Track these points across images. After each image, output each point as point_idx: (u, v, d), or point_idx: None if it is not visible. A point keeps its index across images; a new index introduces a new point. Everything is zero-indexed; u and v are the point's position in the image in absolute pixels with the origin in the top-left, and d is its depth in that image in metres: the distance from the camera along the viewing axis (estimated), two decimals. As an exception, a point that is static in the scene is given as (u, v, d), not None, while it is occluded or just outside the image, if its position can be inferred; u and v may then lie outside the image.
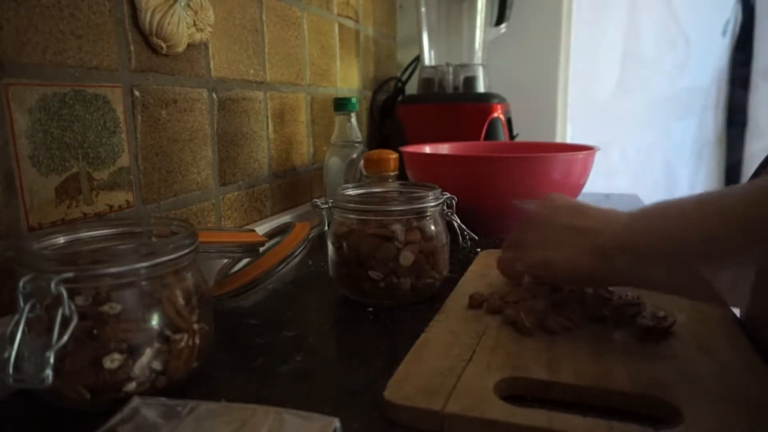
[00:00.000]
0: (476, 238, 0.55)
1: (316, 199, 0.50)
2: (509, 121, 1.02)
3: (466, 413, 0.29)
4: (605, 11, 1.50)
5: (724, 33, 1.63)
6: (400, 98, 1.07)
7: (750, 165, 1.69)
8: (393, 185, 0.57)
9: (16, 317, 0.28)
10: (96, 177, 0.44)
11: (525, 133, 1.07)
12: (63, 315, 0.28)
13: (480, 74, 1.03)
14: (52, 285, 0.28)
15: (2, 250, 0.37)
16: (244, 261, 0.51)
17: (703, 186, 1.68)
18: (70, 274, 0.28)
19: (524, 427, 0.28)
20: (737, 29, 1.60)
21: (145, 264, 0.31)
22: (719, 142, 1.67)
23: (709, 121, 1.63)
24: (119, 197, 0.47)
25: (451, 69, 1.03)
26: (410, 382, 0.32)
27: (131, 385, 0.30)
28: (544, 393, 0.32)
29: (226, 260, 0.53)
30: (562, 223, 0.42)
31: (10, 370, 0.27)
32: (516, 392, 0.32)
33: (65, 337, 0.27)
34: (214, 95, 0.59)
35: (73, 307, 0.28)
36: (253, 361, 0.38)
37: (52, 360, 0.27)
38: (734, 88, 1.57)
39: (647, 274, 0.35)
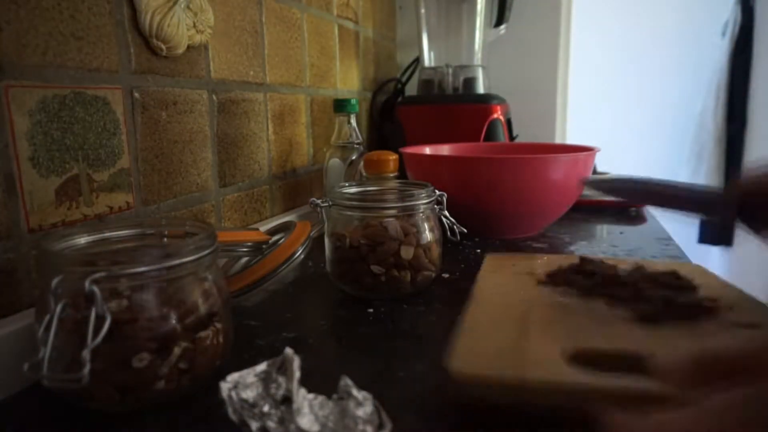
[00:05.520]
0: (465, 231, 0.56)
1: (314, 198, 0.50)
2: (509, 122, 1.02)
3: (548, 379, 0.28)
4: (605, 12, 1.51)
5: (723, 34, 1.63)
6: (399, 99, 1.07)
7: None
8: (387, 184, 0.58)
9: (47, 318, 0.28)
10: (96, 178, 0.44)
11: (525, 134, 1.08)
12: (96, 314, 0.28)
13: (479, 75, 1.03)
14: (86, 284, 0.28)
15: (2, 251, 0.37)
16: (243, 260, 0.51)
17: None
18: (103, 274, 0.29)
19: (614, 391, 0.27)
20: (737, 30, 1.60)
21: (174, 263, 0.31)
22: (719, 142, 1.67)
23: (709, 121, 1.63)
24: (119, 198, 0.47)
25: (450, 70, 1.03)
26: (475, 358, 0.31)
27: (160, 384, 0.31)
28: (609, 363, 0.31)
29: (224, 260, 0.53)
30: None
31: (45, 371, 0.27)
32: (581, 362, 0.31)
33: (100, 336, 0.27)
34: (214, 97, 0.59)
35: (105, 306, 0.28)
36: (254, 363, 0.38)
37: (89, 359, 0.27)
38: (734, 88, 1.57)
39: None
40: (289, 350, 0.28)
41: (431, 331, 0.43)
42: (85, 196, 0.43)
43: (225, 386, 0.26)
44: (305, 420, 0.24)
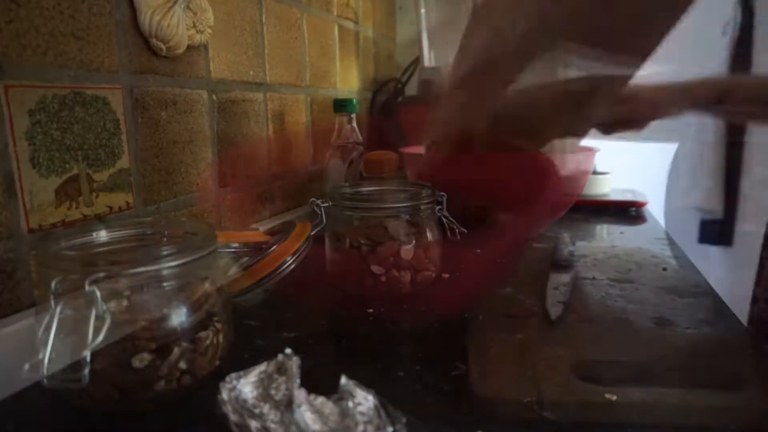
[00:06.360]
0: (465, 231, 0.56)
1: (314, 198, 0.50)
2: (509, 122, 1.02)
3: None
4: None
5: (723, 33, 1.63)
6: (399, 99, 1.07)
7: (750, 165, 1.69)
8: (387, 184, 0.58)
9: (47, 318, 0.28)
10: (96, 178, 0.44)
11: (525, 134, 1.07)
12: (96, 314, 0.28)
13: (480, 75, 1.03)
14: (86, 285, 0.28)
15: (2, 251, 0.37)
16: (243, 260, 0.51)
17: (703, 186, 1.68)
18: (103, 274, 0.29)
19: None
20: (737, 30, 1.60)
21: (174, 263, 0.31)
22: (719, 143, 1.67)
23: (709, 121, 1.63)
24: (119, 199, 0.47)
25: (450, 70, 1.03)
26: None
27: (160, 384, 0.31)
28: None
29: (224, 260, 0.53)
30: None
31: (45, 371, 0.27)
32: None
33: (101, 337, 0.27)
34: (214, 96, 0.59)
35: (105, 306, 0.28)
36: (254, 363, 0.38)
37: (89, 359, 0.27)
38: (734, 88, 1.57)
39: None
40: (289, 350, 0.28)
41: (431, 331, 0.43)
42: (85, 196, 0.43)
43: (225, 386, 0.26)
44: (305, 420, 0.24)
